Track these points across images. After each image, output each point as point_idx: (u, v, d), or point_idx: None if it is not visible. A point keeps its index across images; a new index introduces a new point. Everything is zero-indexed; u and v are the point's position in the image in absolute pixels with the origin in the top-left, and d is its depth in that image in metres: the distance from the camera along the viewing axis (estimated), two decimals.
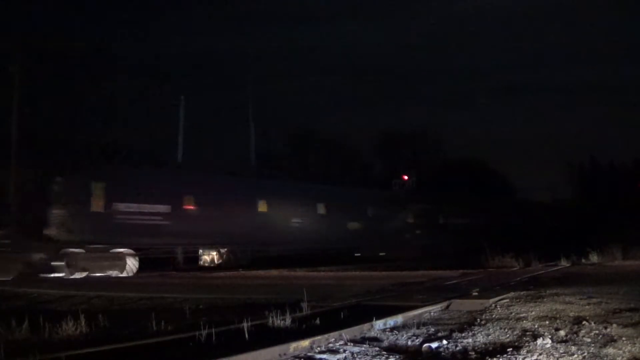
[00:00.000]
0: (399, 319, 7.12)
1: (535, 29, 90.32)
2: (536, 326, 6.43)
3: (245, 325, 6.22)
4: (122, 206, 20.78)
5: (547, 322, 6.63)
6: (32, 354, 5.01)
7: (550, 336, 5.74)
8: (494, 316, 7.33)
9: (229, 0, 77.10)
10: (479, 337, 5.96)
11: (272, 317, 6.95)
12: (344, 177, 43.20)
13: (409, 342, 5.91)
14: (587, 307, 7.73)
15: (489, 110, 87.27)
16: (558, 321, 6.68)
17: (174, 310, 9.17)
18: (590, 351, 5.16)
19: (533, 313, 7.34)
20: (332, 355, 5.29)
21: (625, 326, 6.21)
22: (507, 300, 8.72)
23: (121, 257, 20.84)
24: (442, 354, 5.36)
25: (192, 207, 23.43)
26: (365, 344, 5.78)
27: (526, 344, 5.44)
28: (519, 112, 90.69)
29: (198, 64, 67.59)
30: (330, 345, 5.70)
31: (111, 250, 20.64)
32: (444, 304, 8.41)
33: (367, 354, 5.34)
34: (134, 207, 21.15)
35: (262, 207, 26.64)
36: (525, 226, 39.69)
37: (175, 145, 31.49)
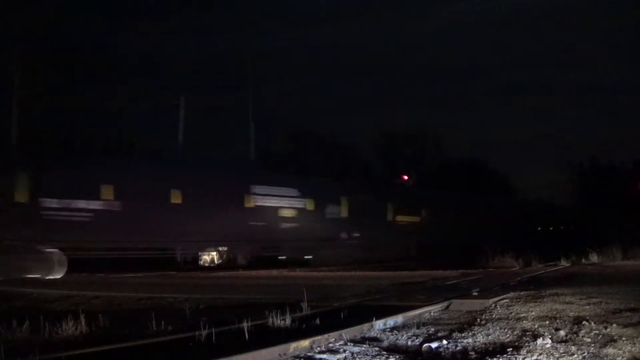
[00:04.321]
0: (399, 319, 7.12)
1: (534, 29, 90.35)
2: (536, 326, 6.43)
3: (245, 325, 6.22)
4: (47, 200, 18.61)
5: (547, 322, 6.63)
6: (33, 354, 5.01)
7: (550, 336, 5.74)
8: (494, 316, 7.33)
9: (230, 0, 77.14)
10: (479, 337, 5.96)
11: (272, 317, 6.94)
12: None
13: (409, 342, 5.92)
14: (587, 307, 7.73)
15: (489, 110, 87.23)
16: (558, 321, 6.68)
17: (174, 310, 9.17)
18: (590, 351, 5.16)
19: (533, 313, 7.35)
20: (332, 355, 5.29)
21: (625, 326, 6.21)
22: (507, 300, 8.72)
23: (47, 257, 18.03)
24: (442, 354, 5.36)
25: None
26: (365, 344, 5.78)
27: (526, 344, 5.44)
28: (519, 112, 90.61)
29: (198, 64, 67.60)
30: (330, 345, 5.70)
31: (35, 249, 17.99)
32: (444, 304, 8.42)
33: (367, 354, 5.34)
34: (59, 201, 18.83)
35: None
36: (510, 225, 36.90)
37: (175, 145, 31.53)
